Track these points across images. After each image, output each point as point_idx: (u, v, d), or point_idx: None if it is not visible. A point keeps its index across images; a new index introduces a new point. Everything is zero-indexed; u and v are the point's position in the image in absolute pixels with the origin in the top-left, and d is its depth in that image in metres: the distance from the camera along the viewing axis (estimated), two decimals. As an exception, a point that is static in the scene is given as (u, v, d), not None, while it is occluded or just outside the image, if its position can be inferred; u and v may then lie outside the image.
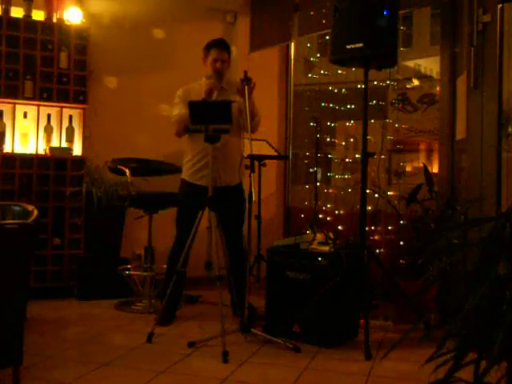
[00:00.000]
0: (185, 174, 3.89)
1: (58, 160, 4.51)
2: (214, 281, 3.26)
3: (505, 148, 3.53)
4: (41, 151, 4.54)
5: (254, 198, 3.48)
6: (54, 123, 4.59)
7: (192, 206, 3.56)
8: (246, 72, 3.49)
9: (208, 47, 3.88)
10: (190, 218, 3.45)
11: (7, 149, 4.44)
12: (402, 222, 4.06)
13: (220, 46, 3.86)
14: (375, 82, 5.02)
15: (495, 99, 3.51)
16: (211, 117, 3.27)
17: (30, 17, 4.52)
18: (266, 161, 4.68)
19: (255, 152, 3.56)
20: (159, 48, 5.02)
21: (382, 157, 4.13)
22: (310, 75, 5.97)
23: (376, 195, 4.16)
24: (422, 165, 4.64)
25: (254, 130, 3.82)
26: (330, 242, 3.62)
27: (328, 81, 5.62)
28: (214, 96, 3.73)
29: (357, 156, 5.03)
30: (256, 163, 4.41)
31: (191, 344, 3.24)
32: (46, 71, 4.53)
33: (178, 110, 3.79)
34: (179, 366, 2.95)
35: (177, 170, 4.39)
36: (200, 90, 3.77)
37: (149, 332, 3.33)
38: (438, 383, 1.32)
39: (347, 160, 5.49)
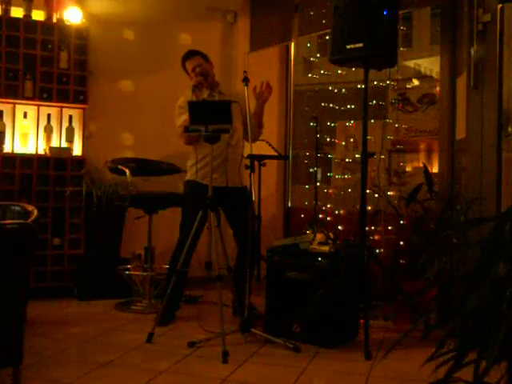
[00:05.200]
0: (195, 176, 3.81)
1: (57, 160, 4.51)
2: (214, 281, 3.26)
3: (505, 148, 3.52)
4: (41, 151, 4.54)
5: (253, 198, 3.49)
6: (53, 123, 4.59)
7: (201, 207, 3.52)
8: (245, 72, 3.50)
9: (183, 64, 3.95)
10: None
11: (7, 149, 4.44)
12: (401, 222, 4.06)
13: (190, 55, 3.93)
14: (375, 82, 5.01)
15: (495, 99, 3.51)
16: (211, 117, 3.28)
17: (30, 17, 4.53)
18: (266, 161, 4.68)
19: (255, 152, 3.56)
20: (159, 48, 5.02)
21: (382, 157, 4.13)
22: (310, 75, 5.96)
23: (376, 195, 4.16)
24: (422, 165, 4.63)
25: (254, 140, 3.86)
26: (330, 241, 3.62)
27: (328, 81, 5.61)
28: (206, 95, 3.82)
29: (357, 156, 5.02)
30: (256, 163, 4.41)
31: (191, 344, 3.24)
32: (46, 71, 4.53)
33: (182, 121, 3.78)
34: (179, 366, 2.95)
35: (177, 169, 4.40)
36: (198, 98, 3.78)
37: (149, 332, 3.34)
38: (438, 383, 1.32)
39: (347, 160, 5.48)
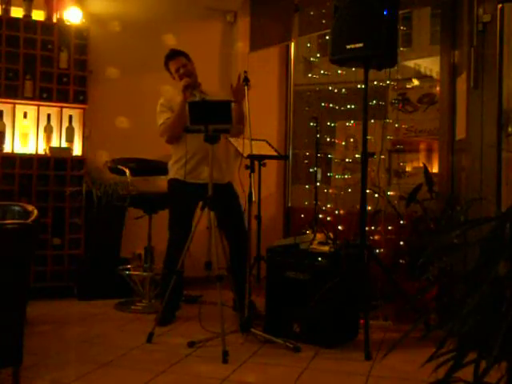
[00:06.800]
0: (177, 174, 3.84)
1: (57, 160, 4.51)
2: (214, 281, 3.26)
3: (505, 148, 3.52)
4: (41, 151, 4.55)
5: (253, 198, 3.49)
6: (53, 123, 4.60)
7: (189, 204, 3.54)
8: (245, 72, 3.49)
9: (166, 64, 3.96)
10: (188, 217, 3.44)
11: (7, 149, 4.45)
12: (401, 222, 4.06)
13: (172, 55, 3.94)
14: (375, 82, 5.01)
15: (495, 99, 3.51)
16: (211, 117, 3.28)
17: (30, 17, 4.53)
18: (266, 161, 4.67)
19: (255, 152, 3.56)
20: (159, 48, 5.00)
21: (382, 157, 4.12)
22: (310, 75, 5.96)
23: (376, 195, 4.16)
24: (422, 165, 4.63)
25: (237, 135, 3.88)
26: (330, 241, 3.62)
27: (328, 81, 5.61)
28: (194, 94, 3.81)
29: (357, 156, 5.02)
30: (256, 163, 4.40)
31: (191, 344, 3.24)
32: (46, 71, 4.53)
33: (164, 119, 3.80)
34: (179, 366, 2.95)
35: (177, 170, 4.38)
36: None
37: (149, 332, 3.34)
38: (438, 383, 1.32)
39: (347, 160, 5.48)
